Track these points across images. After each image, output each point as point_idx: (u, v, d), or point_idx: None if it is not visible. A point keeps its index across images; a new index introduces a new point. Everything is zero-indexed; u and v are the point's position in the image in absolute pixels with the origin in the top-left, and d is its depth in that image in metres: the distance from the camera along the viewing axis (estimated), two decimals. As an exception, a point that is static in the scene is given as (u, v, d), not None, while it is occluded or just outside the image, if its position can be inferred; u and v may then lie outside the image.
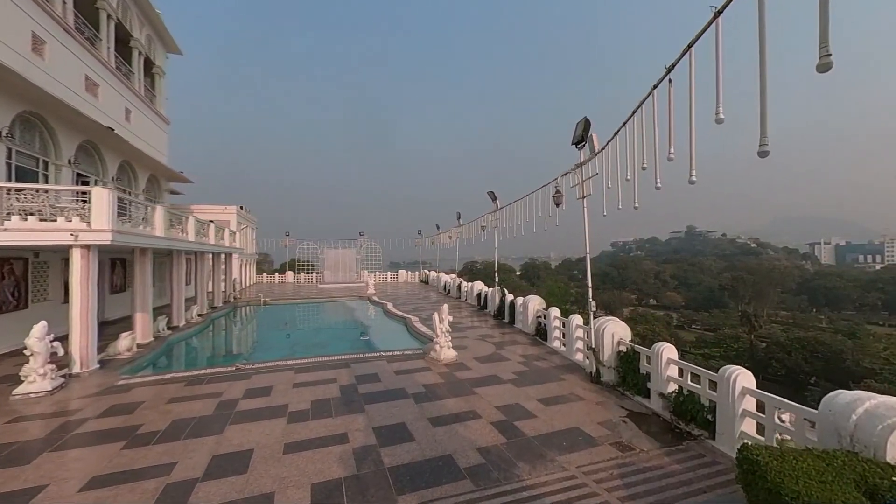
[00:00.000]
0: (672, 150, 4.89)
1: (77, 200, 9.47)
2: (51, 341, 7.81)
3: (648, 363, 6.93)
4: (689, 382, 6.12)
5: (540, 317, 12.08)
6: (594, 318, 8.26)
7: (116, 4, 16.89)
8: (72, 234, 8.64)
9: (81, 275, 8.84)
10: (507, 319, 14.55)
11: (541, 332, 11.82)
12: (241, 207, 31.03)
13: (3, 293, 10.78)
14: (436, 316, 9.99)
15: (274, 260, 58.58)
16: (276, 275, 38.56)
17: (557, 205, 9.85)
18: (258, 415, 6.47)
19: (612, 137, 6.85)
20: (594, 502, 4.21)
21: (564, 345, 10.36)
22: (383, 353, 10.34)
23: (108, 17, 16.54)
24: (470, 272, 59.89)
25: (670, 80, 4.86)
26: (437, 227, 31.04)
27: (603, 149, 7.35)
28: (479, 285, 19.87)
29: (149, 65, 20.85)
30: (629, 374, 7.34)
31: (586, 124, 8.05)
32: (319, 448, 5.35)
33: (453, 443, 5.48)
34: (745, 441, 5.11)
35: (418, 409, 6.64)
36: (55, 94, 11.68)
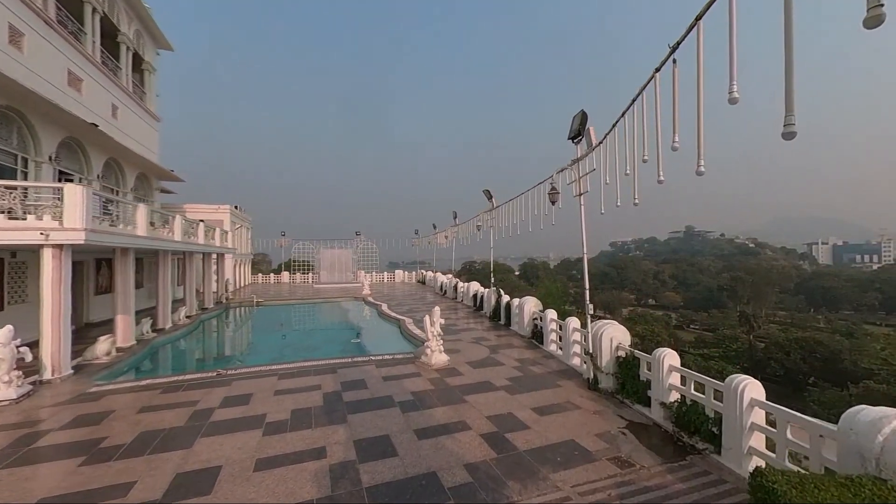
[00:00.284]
0: (676, 139, 4.45)
1: (55, 198, 9.04)
2: (17, 346, 7.39)
3: (649, 370, 6.55)
4: (692, 391, 5.73)
5: (536, 319, 11.67)
6: (592, 320, 7.87)
7: (102, -2, 16.43)
8: (42, 234, 8.21)
9: (53, 276, 8.40)
10: (502, 321, 14.14)
11: (537, 335, 11.40)
12: (236, 207, 30.56)
13: (-23, 295, 10.34)
14: (427, 318, 9.59)
15: (273, 260, 58.26)
16: (272, 275, 38.16)
17: (553, 203, 9.47)
18: (233, 426, 6.06)
19: (611, 129, 6.44)
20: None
21: (561, 349, 9.96)
22: (372, 358, 9.93)
23: (94, 10, 16.07)
24: (468, 272, 59.48)
25: (675, 61, 4.44)
26: (434, 227, 30.63)
27: (601, 142, 6.94)
28: (475, 286, 19.44)
29: (138, 60, 20.37)
30: (629, 380, 6.97)
31: (583, 118, 7.65)
32: (294, 464, 4.94)
33: (439, 458, 5.07)
34: (755, 457, 4.72)
35: (404, 420, 6.24)
36: (33, 88, 11.24)
